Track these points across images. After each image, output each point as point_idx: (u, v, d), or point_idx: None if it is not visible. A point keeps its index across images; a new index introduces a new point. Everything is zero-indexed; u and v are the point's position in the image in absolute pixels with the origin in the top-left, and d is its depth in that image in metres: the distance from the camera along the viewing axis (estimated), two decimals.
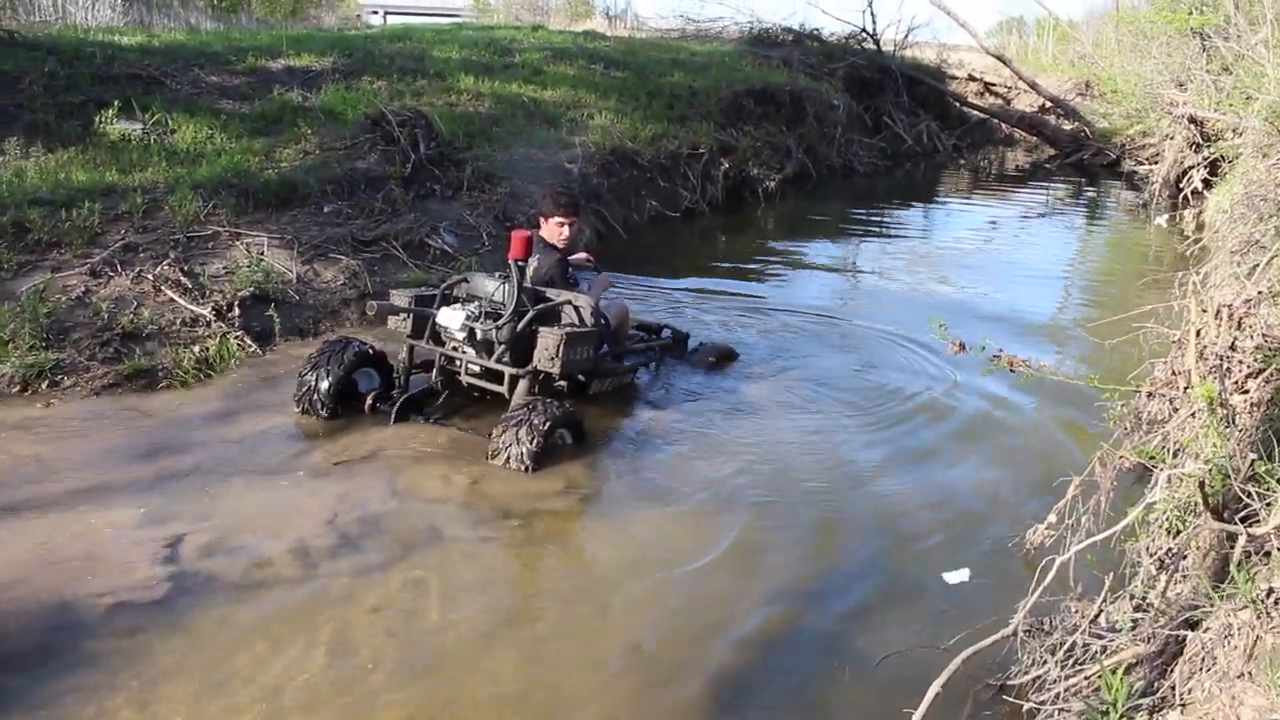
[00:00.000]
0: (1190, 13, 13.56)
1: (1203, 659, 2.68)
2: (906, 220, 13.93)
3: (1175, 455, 4.01)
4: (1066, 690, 3.02)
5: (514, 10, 39.17)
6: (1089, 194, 17.44)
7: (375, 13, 42.73)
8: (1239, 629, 2.62)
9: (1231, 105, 12.15)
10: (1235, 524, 2.95)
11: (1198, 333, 4.11)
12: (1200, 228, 12.11)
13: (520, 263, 5.25)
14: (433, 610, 3.80)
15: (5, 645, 3.44)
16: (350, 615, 3.72)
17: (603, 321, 5.78)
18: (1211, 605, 2.76)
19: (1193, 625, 2.83)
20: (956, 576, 3.99)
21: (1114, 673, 2.71)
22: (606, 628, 3.81)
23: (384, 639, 3.59)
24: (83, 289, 6.37)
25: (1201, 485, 2.91)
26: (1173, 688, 2.67)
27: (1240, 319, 4.19)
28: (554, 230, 5.94)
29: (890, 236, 12.84)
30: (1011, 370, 4.52)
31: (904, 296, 9.01)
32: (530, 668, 3.51)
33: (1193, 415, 4.10)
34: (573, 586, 4.18)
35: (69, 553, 4.01)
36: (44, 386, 5.59)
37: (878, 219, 13.74)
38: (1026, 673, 3.27)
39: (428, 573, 4.05)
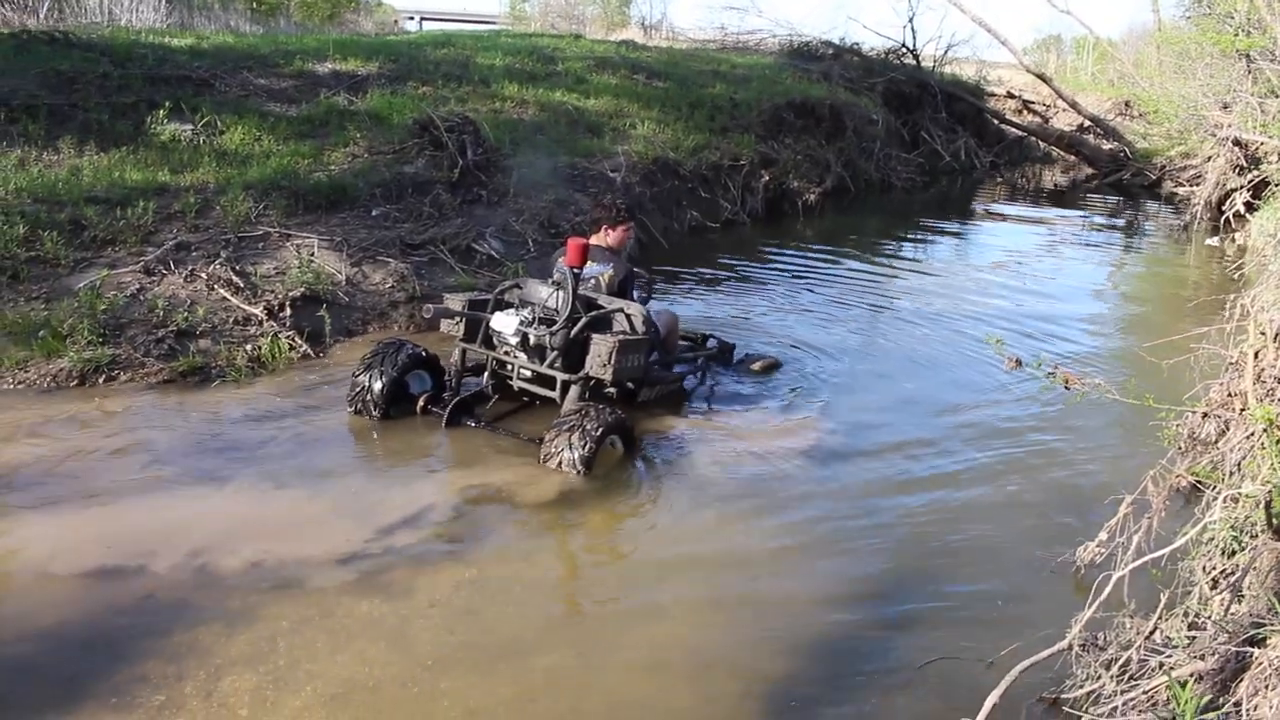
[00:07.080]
0: (1236, 34, 13.44)
1: (1267, 676, 2.69)
2: (944, 236, 13.89)
3: (1231, 476, 4.00)
4: (1125, 704, 3.03)
5: (549, 18, 39.23)
6: (1128, 215, 17.31)
7: (411, 18, 43.01)
8: None
9: (1279, 128, 12.06)
10: None
11: (1256, 354, 4.10)
12: (1242, 251, 12.04)
13: (576, 270, 5.30)
14: (489, 609, 3.85)
15: (74, 633, 3.53)
16: (408, 612, 3.78)
17: (654, 330, 5.83)
18: (1276, 624, 2.76)
19: (1256, 643, 2.83)
20: None
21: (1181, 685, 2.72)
22: (659, 630, 3.84)
23: (443, 635, 3.64)
24: (137, 286, 6.48)
25: (1267, 505, 2.92)
26: (1238, 704, 2.68)
27: None
28: (621, 237, 6.03)
29: (929, 253, 12.81)
30: (1066, 387, 4.53)
31: (947, 312, 8.96)
32: (585, 668, 3.55)
33: (1249, 436, 4.09)
34: (625, 589, 4.22)
35: (130, 545, 4.09)
36: (101, 381, 5.70)
37: (916, 235, 13.72)
38: (1081, 687, 3.28)
39: (483, 572, 4.10)
